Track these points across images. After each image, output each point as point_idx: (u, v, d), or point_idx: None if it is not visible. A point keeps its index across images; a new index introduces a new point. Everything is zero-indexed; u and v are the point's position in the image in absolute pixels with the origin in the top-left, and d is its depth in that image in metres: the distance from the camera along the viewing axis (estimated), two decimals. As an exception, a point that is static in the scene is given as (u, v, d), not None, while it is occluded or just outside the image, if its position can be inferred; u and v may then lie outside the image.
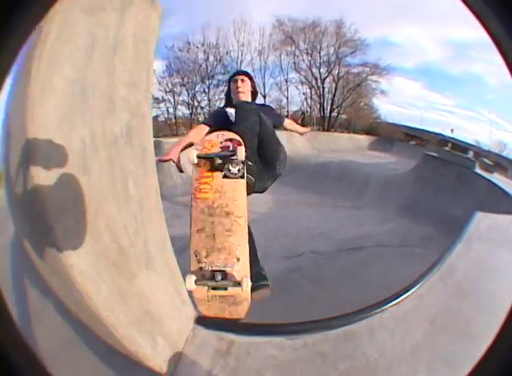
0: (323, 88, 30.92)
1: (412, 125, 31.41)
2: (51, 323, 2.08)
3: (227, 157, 2.35)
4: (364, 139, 28.97)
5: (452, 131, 27.10)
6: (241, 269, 2.20)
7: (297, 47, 28.75)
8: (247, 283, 2.09)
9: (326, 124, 30.13)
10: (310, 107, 31.99)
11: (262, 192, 3.84)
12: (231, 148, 2.42)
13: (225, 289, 2.14)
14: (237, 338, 2.38)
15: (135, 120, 2.10)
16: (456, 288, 3.01)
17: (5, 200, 1.77)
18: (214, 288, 2.14)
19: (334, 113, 31.51)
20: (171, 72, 21.64)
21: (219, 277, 2.13)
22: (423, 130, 30.39)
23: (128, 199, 2.02)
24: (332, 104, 31.54)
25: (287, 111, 30.37)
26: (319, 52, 29.44)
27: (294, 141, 20.14)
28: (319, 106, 31.34)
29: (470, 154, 13.44)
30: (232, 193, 2.31)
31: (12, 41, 0.98)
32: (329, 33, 29.50)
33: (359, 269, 6.73)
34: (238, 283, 2.09)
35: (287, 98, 29.40)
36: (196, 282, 2.07)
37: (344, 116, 33.81)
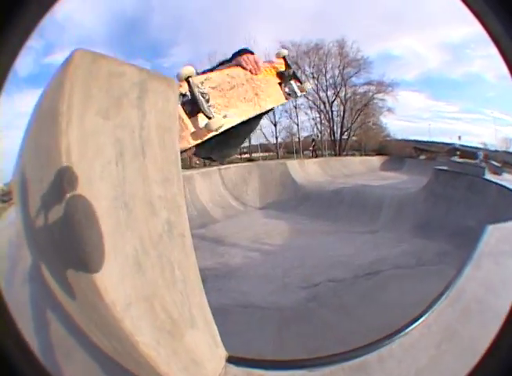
0: (332, 111, 31.27)
1: (420, 139, 31.52)
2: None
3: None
4: (376, 160, 28.99)
5: (459, 138, 27.16)
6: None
7: (303, 72, 29.15)
8: None
9: (337, 148, 30.22)
10: (320, 132, 32.17)
11: None
12: None
13: None
14: (265, 372, 2.48)
15: (173, 214, 2.09)
16: (463, 311, 3.06)
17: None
18: None
19: (345, 136, 31.66)
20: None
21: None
22: (431, 142, 30.45)
23: (174, 280, 2.10)
24: (342, 127, 31.81)
25: (298, 138, 30.56)
26: (325, 75, 29.94)
27: (307, 169, 20.58)
28: (329, 131, 31.50)
29: (480, 156, 13.42)
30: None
31: (13, 41, 0.99)
32: (333, 54, 30.05)
33: (377, 293, 6.78)
34: None
35: (297, 124, 29.63)
36: None
37: (354, 138, 33.97)
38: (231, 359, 2.47)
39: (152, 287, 1.91)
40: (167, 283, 2.05)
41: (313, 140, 29.54)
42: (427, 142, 30.93)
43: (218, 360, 2.43)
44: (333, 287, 7.36)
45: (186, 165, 21.06)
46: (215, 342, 2.45)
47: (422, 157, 28.55)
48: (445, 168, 12.10)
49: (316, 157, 26.53)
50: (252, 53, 2.65)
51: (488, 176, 10.31)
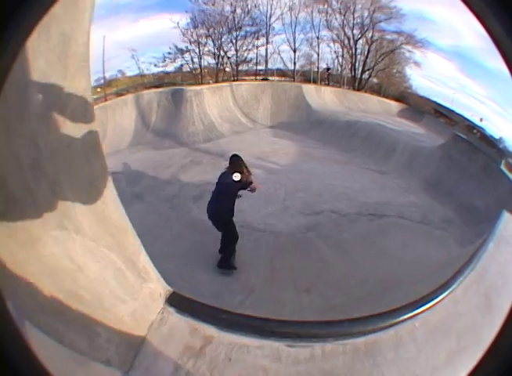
0: (356, 48, 29.78)
1: (443, 103, 30.46)
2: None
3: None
4: (394, 106, 28.09)
5: (481, 120, 26.17)
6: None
7: (329, 5, 27.47)
8: None
9: (356, 84, 29.18)
10: (341, 66, 30.91)
11: None
12: None
13: None
14: (217, 333, 1.89)
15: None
16: (485, 298, 2.62)
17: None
18: None
19: (365, 76, 30.49)
20: (195, 24, 21.01)
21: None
22: (453, 110, 29.41)
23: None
24: (364, 66, 30.43)
25: (317, 67, 29.46)
26: (353, 14, 28.20)
27: (323, 96, 19.94)
28: (350, 66, 30.29)
29: (498, 148, 13.09)
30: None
31: (13, 41, 0.98)
32: None
33: (378, 238, 6.55)
34: None
35: (318, 54, 28.43)
36: None
37: (375, 80, 32.75)
38: (173, 300, 2.06)
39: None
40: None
41: (328, 68, 28.44)
42: (449, 108, 29.78)
43: (148, 301, 2.04)
44: (335, 220, 7.13)
45: (197, 81, 20.48)
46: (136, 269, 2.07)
47: (441, 120, 27.67)
48: (464, 136, 11.79)
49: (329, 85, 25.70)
50: None
51: (505, 170, 9.94)
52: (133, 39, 17.47)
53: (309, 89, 18.95)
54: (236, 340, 1.81)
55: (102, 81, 18.08)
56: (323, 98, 19.30)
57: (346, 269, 5.46)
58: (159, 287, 1.98)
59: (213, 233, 6.48)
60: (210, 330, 1.84)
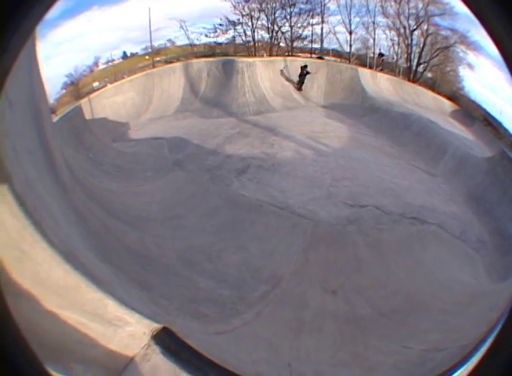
0: (411, 39, 29.09)
1: (491, 112, 29.57)
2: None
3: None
4: (448, 105, 27.54)
5: None
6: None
7: None
8: None
9: (411, 75, 28.51)
10: (397, 55, 30.25)
11: None
12: None
13: None
14: None
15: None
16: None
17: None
18: None
19: (420, 69, 29.77)
20: None
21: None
22: (500, 123, 28.48)
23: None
24: (419, 58, 29.69)
25: (373, 52, 28.88)
26: (407, 3, 27.62)
27: (379, 82, 19.58)
28: (406, 56, 29.59)
29: None
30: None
31: (13, 41, 0.98)
32: None
33: (416, 246, 6.27)
34: None
35: (374, 39, 27.87)
36: None
37: (429, 74, 31.98)
38: (159, 337, 2.02)
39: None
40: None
41: (381, 54, 27.68)
42: (497, 120, 28.78)
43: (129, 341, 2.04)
44: (378, 217, 6.90)
45: (251, 54, 20.35)
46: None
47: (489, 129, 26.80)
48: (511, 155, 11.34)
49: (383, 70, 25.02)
50: None
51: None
52: (182, 10, 17.69)
53: (365, 73, 18.75)
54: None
55: (149, 50, 18.41)
56: (379, 85, 19.00)
57: (379, 275, 5.28)
58: (141, 327, 1.93)
59: (251, 211, 6.48)
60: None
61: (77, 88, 15.75)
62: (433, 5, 28.27)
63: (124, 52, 18.55)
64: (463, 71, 31.11)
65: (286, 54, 20.58)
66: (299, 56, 19.60)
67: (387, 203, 7.46)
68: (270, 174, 8.05)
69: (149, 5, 16.69)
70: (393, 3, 27.99)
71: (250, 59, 15.99)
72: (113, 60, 17.98)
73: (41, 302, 1.78)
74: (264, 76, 15.53)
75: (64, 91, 15.24)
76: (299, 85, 18.76)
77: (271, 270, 5.06)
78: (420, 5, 28.40)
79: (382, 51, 29.88)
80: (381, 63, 27.47)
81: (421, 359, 3.60)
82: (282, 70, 18.54)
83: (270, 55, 20.53)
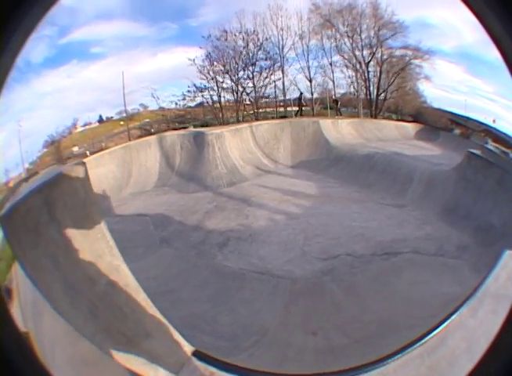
0: (368, 71, 30.09)
1: (457, 112, 30.27)
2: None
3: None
4: (411, 128, 28.06)
5: (494, 121, 25.89)
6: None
7: (337, 30, 27.97)
8: None
9: (373, 108, 29.32)
10: (357, 91, 31.19)
11: None
12: None
13: None
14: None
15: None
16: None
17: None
18: None
19: (381, 97, 30.65)
20: (211, 61, 21.80)
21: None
22: (467, 117, 29.24)
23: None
24: (378, 88, 30.62)
25: (334, 95, 29.75)
26: (360, 35, 28.61)
27: (341, 129, 19.93)
28: (365, 90, 30.52)
29: None
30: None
31: (13, 41, 1.00)
32: (367, 15, 28.66)
33: (390, 278, 6.73)
34: None
35: (333, 81, 28.89)
36: None
37: (391, 100, 32.85)
38: (196, 354, 3.46)
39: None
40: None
41: (335, 101, 28.67)
42: (463, 116, 29.65)
43: (183, 354, 3.46)
44: (350, 263, 7.36)
45: (219, 119, 21.17)
46: (177, 343, 3.49)
47: (456, 131, 27.56)
48: (478, 152, 11.65)
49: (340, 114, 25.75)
50: None
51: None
52: (153, 73, 18.89)
53: (326, 124, 19.04)
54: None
55: (124, 115, 19.39)
56: (341, 131, 19.40)
57: (354, 312, 5.73)
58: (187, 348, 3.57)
59: (236, 280, 7.09)
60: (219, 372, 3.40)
61: (57, 149, 16.33)
62: (384, 29, 29.60)
63: (100, 116, 19.28)
64: (422, 85, 32.07)
65: (253, 112, 21.79)
66: (264, 119, 20.46)
67: (358, 247, 7.92)
68: (248, 244, 8.57)
69: (122, 67, 17.59)
70: (346, 39, 29.21)
71: (218, 131, 16.37)
72: (90, 123, 18.70)
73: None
74: (232, 145, 16.04)
75: (45, 150, 15.75)
76: (298, 112, 19.57)
77: (259, 325, 5.67)
78: (372, 33, 29.63)
79: (335, 97, 30.94)
80: (338, 109, 28.47)
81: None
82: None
83: (237, 118, 21.54)
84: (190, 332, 5.46)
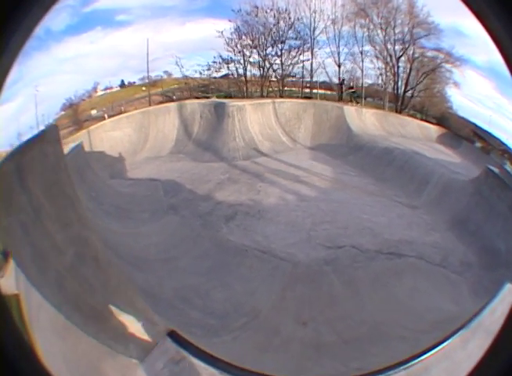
0: (398, 66, 29.46)
1: (480, 125, 29.59)
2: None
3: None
4: (434, 130, 27.58)
5: None
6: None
7: (370, 21, 27.27)
8: None
9: (399, 103, 28.80)
10: (384, 83, 30.64)
11: None
12: None
13: None
14: (193, 360, 3.23)
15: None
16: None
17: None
18: None
19: (408, 94, 30.08)
20: (239, 34, 21.40)
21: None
22: (490, 133, 28.52)
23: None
24: (406, 84, 30.01)
25: (362, 83, 29.25)
26: (393, 29, 27.95)
27: (364, 119, 19.84)
28: (393, 84, 29.90)
29: None
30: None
31: (13, 41, 1.00)
32: (402, 11, 27.90)
33: (391, 280, 6.60)
34: None
35: (362, 70, 28.33)
36: None
37: (417, 98, 32.20)
38: (173, 334, 3.41)
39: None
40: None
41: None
42: (486, 131, 28.91)
43: (156, 334, 3.39)
44: (354, 256, 7.23)
45: (243, 92, 20.88)
46: (151, 322, 3.43)
47: (478, 144, 26.94)
48: (496, 170, 11.34)
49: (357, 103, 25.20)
50: None
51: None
52: (179, 42, 18.25)
53: (350, 111, 18.86)
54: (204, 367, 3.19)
55: (146, 81, 18.86)
56: (364, 121, 19.21)
57: (349, 309, 5.65)
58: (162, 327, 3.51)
59: (237, 255, 7.05)
60: (187, 356, 3.29)
61: (75, 112, 15.98)
62: (418, 28, 28.83)
63: (122, 81, 18.89)
64: (449, 91, 31.26)
65: (278, 90, 21.42)
66: (288, 97, 20.06)
67: (364, 241, 7.74)
68: (255, 220, 8.49)
69: (148, 34, 17.14)
70: (379, 31, 28.51)
71: (240, 103, 16.19)
72: (111, 88, 18.30)
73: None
74: (253, 119, 15.81)
75: (63, 112, 15.37)
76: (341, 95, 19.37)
77: (251, 306, 5.64)
78: (406, 29, 28.93)
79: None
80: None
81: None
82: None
83: (261, 93, 21.17)
84: (180, 305, 5.49)
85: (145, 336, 3.34)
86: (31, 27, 1.05)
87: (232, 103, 15.91)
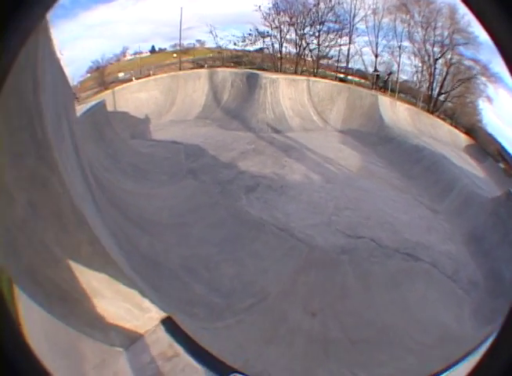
0: (435, 68, 29.02)
1: (506, 147, 29.05)
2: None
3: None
4: (463, 139, 27.32)
5: None
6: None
7: (411, 17, 26.81)
8: None
9: (431, 105, 28.34)
10: (419, 82, 30.18)
11: None
12: None
13: None
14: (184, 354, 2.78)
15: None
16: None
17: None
18: None
19: (441, 98, 29.57)
20: (277, 10, 21.15)
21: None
22: None
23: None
24: (441, 87, 29.54)
25: (397, 78, 28.92)
26: (434, 30, 27.48)
27: (397, 112, 19.52)
28: (427, 84, 29.45)
29: None
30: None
31: (13, 41, 0.97)
32: (444, 14, 27.35)
33: (405, 282, 6.37)
34: None
35: (398, 65, 27.92)
36: None
37: (449, 104, 31.64)
38: (167, 322, 3.01)
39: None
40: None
41: (390, 73, 27.76)
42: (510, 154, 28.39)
43: (146, 321, 2.95)
44: (372, 249, 7.00)
45: (276, 67, 20.51)
46: (139, 307, 2.96)
47: (501, 165, 26.38)
48: None
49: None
50: None
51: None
52: (215, 13, 18.10)
53: (384, 101, 18.67)
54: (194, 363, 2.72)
55: (178, 48, 18.85)
56: (397, 114, 18.94)
57: (360, 305, 5.45)
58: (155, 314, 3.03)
59: (254, 229, 6.79)
60: (179, 348, 2.87)
61: (102, 74, 16.17)
62: (458, 34, 28.16)
63: (153, 47, 18.98)
64: (482, 104, 30.67)
65: (312, 70, 20.99)
66: (322, 77, 19.73)
67: (384, 236, 7.52)
68: (277, 195, 8.28)
69: (182, 3, 17.07)
70: (419, 29, 27.98)
71: (274, 76, 16.09)
72: (141, 53, 18.40)
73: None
74: (285, 94, 15.66)
75: (89, 75, 15.66)
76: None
77: (261, 286, 5.38)
78: (446, 33, 28.37)
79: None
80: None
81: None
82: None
83: (295, 70, 20.92)
84: (185, 276, 5.20)
85: (130, 324, 2.88)
86: (31, 27, 1.02)
87: (266, 75, 15.75)
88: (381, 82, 20.71)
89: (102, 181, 5.83)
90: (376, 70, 26.97)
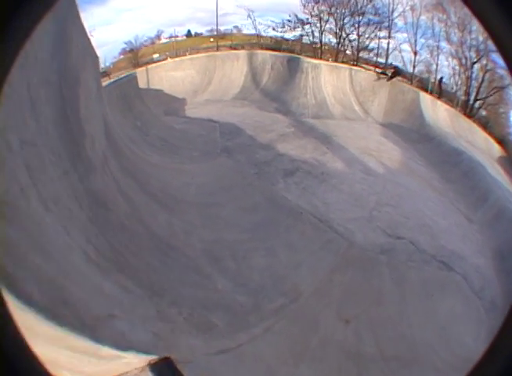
0: (472, 72, 28.47)
1: None
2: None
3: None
4: (497, 149, 26.78)
5: None
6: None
7: (448, 17, 26.31)
8: None
9: (467, 110, 27.77)
10: (456, 85, 29.64)
11: None
12: None
13: None
14: None
15: None
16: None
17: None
18: None
19: (477, 105, 28.94)
20: None
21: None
22: None
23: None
24: (477, 93, 28.97)
25: (435, 77, 28.51)
26: (470, 34, 26.94)
27: (437, 110, 19.14)
28: (464, 88, 28.91)
29: None
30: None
31: (13, 41, 0.99)
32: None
33: (437, 293, 6.04)
34: None
35: (437, 64, 27.48)
36: None
37: (484, 112, 30.94)
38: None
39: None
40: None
41: (440, 81, 27.21)
42: None
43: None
44: (411, 253, 6.60)
45: (316, 55, 20.20)
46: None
47: None
48: None
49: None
50: None
51: None
52: (253, 0, 18.35)
53: (426, 99, 18.47)
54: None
55: (215, 33, 19.11)
56: (437, 113, 18.60)
57: (394, 315, 5.13)
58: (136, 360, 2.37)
59: (290, 217, 6.41)
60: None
61: (136, 56, 16.76)
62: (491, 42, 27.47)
63: (189, 31, 19.49)
64: None
65: (352, 62, 20.52)
66: (363, 68, 19.54)
67: (423, 240, 7.13)
68: (317, 182, 7.92)
69: None
70: (456, 30, 27.48)
71: (315, 61, 15.98)
72: (177, 36, 18.84)
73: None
74: (327, 80, 15.48)
75: (122, 56, 16.48)
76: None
77: (293, 283, 4.96)
78: (481, 38, 27.87)
79: (442, 76, 29.47)
80: (439, 89, 27.00)
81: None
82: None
83: (335, 60, 20.57)
84: (207, 267, 4.68)
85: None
86: (31, 27, 1.05)
87: (308, 60, 15.71)
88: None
89: (122, 149, 5.47)
90: (388, 64, 26.51)
